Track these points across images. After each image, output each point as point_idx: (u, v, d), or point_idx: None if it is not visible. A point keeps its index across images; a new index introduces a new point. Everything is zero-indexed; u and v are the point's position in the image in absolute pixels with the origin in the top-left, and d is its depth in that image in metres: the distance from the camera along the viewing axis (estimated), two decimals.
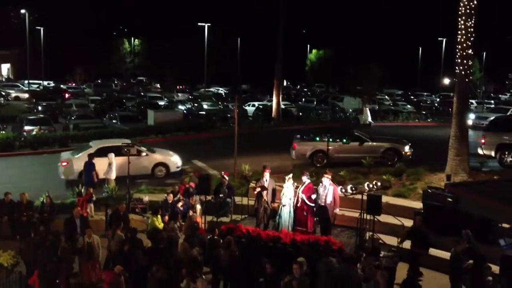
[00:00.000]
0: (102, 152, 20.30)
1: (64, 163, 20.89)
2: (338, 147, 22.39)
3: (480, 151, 22.20)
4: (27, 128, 31.38)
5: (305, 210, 14.83)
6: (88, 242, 12.58)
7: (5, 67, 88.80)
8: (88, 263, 12.51)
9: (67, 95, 54.46)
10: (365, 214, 14.00)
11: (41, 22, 79.37)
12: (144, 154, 22.02)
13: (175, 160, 22.32)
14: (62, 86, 68.87)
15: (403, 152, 22.48)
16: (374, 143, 22.80)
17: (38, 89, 62.79)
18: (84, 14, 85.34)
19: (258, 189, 15.12)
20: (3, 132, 30.26)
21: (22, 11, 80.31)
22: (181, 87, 71.16)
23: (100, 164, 19.43)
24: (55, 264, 11.22)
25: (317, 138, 22.35)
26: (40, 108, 43.34)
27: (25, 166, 24.48)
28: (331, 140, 21.91)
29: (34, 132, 30.18)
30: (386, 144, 22.91)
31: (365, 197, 14.01)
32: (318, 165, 21.78)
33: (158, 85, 76.79)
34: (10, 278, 11.57)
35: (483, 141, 22.24)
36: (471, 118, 36.05)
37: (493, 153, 21.67)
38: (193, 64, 73.30)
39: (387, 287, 9.64)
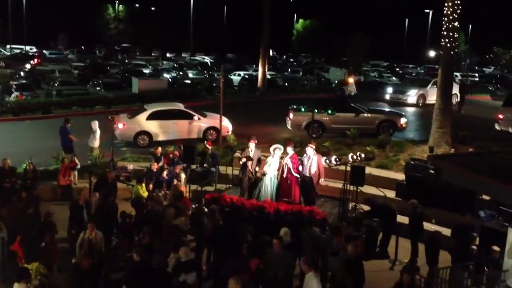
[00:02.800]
0: (156, 116, 21.87)
1: (121, 125, 21.16)
2: (334, 118, 22.37)
3: (497, 127, 22.22)
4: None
5: (289, 179, 14.93)
6: (90, 239, 11.05)
7: None
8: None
9: (36, 60, 53.60)
10: (348, 185, 14.13)
11: None
12: (196, 118, 22.16)
13: (226, 125, 22.24)
14: (44, 51, 67.61)
15: (399, 124, 22.63)
16: (370, 115, 22.89)
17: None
18: None
19: (244, 160, 15.14)
20: None
21: None
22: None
23: (154, 127, 21.61)
24: (38, 230, 11.19)
25: (316, 110, 21.72)
26: (22, 74, 42.59)
27: (7, 132, 24.16)
28: (323, 111, 21.91)
29: (12, 98, 29.79)
30: (381, 116, 23.05)
31: (349, 168, 14.14)
32: (314, 135, 21.42)
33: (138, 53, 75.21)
34: None
35: (500, 116, 22.15)
36: (388, 92, 35.25)
37: (510, 129, 21.63)
38: (178, 32, 72.44)
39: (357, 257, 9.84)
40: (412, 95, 33.47)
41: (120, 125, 21.34)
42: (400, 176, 15.83)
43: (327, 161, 14.68)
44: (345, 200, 14.33)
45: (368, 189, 14.88)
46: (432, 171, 13.96)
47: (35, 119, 27.36)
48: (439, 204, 12.88)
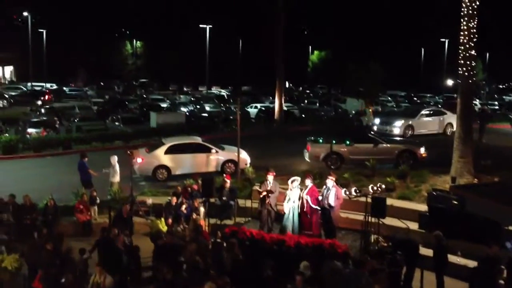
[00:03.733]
0: (174, 150, 22.04)
1: (140, 160, 21.36)
2: (353, 149, 22.10)
3: None
4: (30, 130, 31.38)
5: (309, 213, 14.86)
6: (98, 283, 10.68)
7: (8, 70, 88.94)
8: None
9: (47, 97, 54.86)
10: (369, 217, 13.92)
11: (43, 25, 79.56)
12: (213, 151, 22.26)
13: (244, 157, 22.27)
14: (64, 88, 68.90)
15: (419, 154, 22.26)
16: (389, 145, 22.54)
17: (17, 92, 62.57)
18: (86, 17, 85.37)
19: (264, 193, 15.10)
20: (6, 134, 30.22)
21: (25, 13, 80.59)
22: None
23: (172, 161, 21.76)
24: (58, 267, 11.16)
25: (334, 141, 21.67)
26: (43, 110, 43.30)
27: (28, 169, 24.45)
28: (341, 142, 21.78)
29: (35, 134, 30.23)
30: (401, 146, 22.68)
31: (369, 200, 13.96)
32: (333, 167, 21.20)
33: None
34: (14, 281, 11.54)
35: None
36: (375, 123, 33.10)
37: None
38: (194, 65, 73.37)
39: None
40: (397, 126, 30.79)
41: (139, 160, 21.47)
42: (423, 207, 15.55)
43: (347, 192, 14.54)
44: (366, 233, 14.10)
45: (390, 220, 14.63)
46: (455, 202, 13.71)
47: (56, 155, 27.67)
48: (463, 236, 12.57)
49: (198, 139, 23.58)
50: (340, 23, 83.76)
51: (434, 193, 14.97)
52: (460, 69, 18.29)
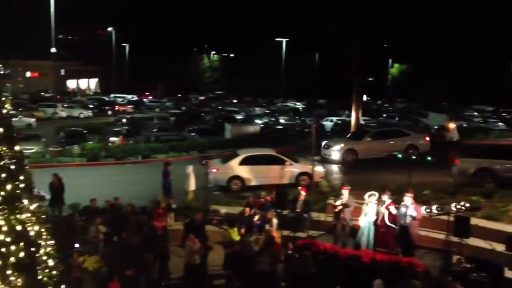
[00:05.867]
0: (249, 161, 22.17)
1: (214, 170, 21.80)
2: (509, 166, 20.28)
3: None
4: (112, 139, 32.71)
5: (386, 229, 14.36)
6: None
7: (93, 82, 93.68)
8: None
9: (116, 108, 59.09)
10: (451, 237, 13.19)
11: (126, 39, 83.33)
12: (288, 163, 22.34)
13: (319, 170, 22.23)
14: (144, 99, 71.58)
15: None
16: None
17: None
18: (166, 31, 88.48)
19: (340, 207, 14.77)
20: (90, 142, 31.63)
21: (109, 29, 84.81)
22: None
23: (246, 172, 21.83)
24: (136, 270, 11.40)
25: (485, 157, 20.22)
26: (124, 120, 45.12)
27: (110, 175, 25.37)
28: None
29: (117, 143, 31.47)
30: None
31: (451, 218, 13.25)
32: (485, 184, 19.14)
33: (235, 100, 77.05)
34: (94, 281, 11.92)
35: None
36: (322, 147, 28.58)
37: None
38: (269, 78, 73.84)
39: None
40: (335, 150, 27.47)
41: (214, 170, 21.73)
42: (511, 229, 14.58)
43: (428, 210, 13.87)
44: (448, 253, 13.37)
45: (474, 241, 13.81)
46: None
47: (135, 163, 28.59)
48: None
49: (272, 151, 23.55)
50: (422, 36, 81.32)
51: None
52: None
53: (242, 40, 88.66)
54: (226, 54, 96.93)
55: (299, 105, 69.55)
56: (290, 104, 70.99)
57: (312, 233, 16.16)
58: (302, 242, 13.83)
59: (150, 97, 76.78)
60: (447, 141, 33.49)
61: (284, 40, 67.03)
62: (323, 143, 28.56)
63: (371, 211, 14.48)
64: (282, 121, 46.91)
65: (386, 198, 14.61)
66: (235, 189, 21.70)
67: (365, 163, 26.28)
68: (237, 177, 22.01)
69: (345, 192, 15.13)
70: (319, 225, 16.64)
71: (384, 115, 55.80)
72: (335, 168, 26.59)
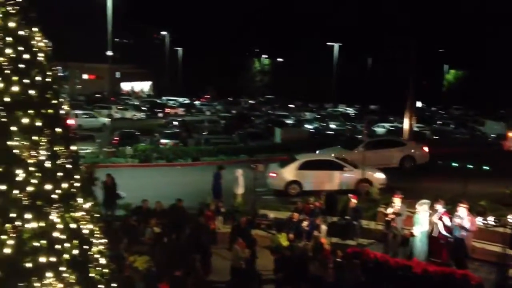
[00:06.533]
0: (308, 166, 21.98)
1: (273, 174, 21.97)
2: None
3: None
4: (163, 141, 33.27)
5: (439, 240, 13.96)
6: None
7: (147, 84, 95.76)
8: None
9: (167, 110, 60.12)
10: (509, 250, 12.65)
11: (179, 43, 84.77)
12: (347, 169, 22.23)
13: (379, 177, 22.03)
14: (195, 102, 72.51)
15: None
16: None
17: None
18: (218, 35, 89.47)
19: (392, 216, 14.44)
20: (142, 144, 32.30)
21: (163, 32, 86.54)
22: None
23: (305, 177, 21.57)
24: (184, 271, 11.50)
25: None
26: (175, 123, 45.84)
27: (161, 176, 25.80)
28: None
29: (168, 145, 31.98)
30: None
31: (508, 231, 12.70)
32: None
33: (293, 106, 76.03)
34: (144, 281, 12.10)
35: None
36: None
37: None
38: (320, 82, 73.32)
39: None
40: None
41: (272, 174, 21.67)
42: None
43: (484, 221, 13.37)
44: (504, 266, 12.82)
45: None
46: None
47: (185, 165, 28.96)
48: None
49: (332, 156, 23.21)
50: (480, 41, 78.76)
51: None
52: None
53: (294, 44, 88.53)
54: (277, 58, 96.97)
55: (350, 111, 68.75)
56: (340, 109, 70.28)
57: (362, 241, 15.89)
58: (351, 250, 13.62)
59: (205, 100, 77.63)
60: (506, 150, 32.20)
61: (336, 45, 66.36)
62: (317, 152, 27.35)
63: (423, 221, 14.10)
64: (332, 126, 46.45)
65: (439, 207, 14.20)
66: (292, 194, 21.55)
67: (419, 170, 25.63)
68: (295, 182, 21.90)
69: (397, 200, 14.77)
70: (369, 233, 16.34)
71: (439, 122, 54.29)
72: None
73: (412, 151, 26.59)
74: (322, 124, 48.73)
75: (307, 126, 46.62)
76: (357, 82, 79.37)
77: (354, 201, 16.71)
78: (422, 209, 14.27)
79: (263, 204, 19.44)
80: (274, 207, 19.21)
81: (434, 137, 41.91)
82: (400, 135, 38.70)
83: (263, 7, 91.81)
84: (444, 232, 13.84)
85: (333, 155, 25.33)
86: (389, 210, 14.78)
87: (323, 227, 15.94)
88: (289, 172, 22.05)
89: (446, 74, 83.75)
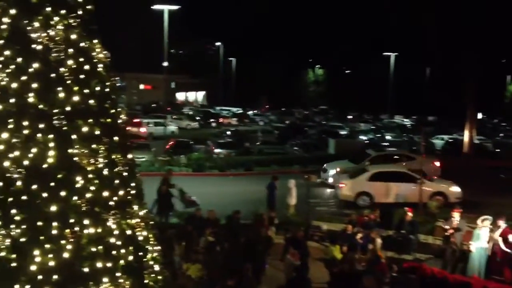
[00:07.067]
0: (379, 177, 21.68)
1: (342, 185, 22.01)
2: None
3: None
4: (216, 150, 33.56)
5: (500, 256, 13.33)
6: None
7: (201, 94, 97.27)
8: None
9: (220, 120, 60.92)
10: None
11: (233, 53, 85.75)
12: (419, 181, 21.56)
13: (454, 190, 21.52)
14: (249, 112, 72.95)
15: None
16: None
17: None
18: (271, 46, 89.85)
19: (451, 231, 13.94)
20: (196, 153, 32.69)
21: (218, 43, 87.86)
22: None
23: (375, 188, 21.26)
24: (236, 280, 11.47)
25: None
26: (228, 132, 46.21)
27: (213, 186, 25.96)
28: None
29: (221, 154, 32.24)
30: None
31: None
32: None
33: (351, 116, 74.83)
34: None
35: None
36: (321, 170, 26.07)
37: None
38: (376, 93, 72.22)
39: None
40: (331, 174, 25.29)
41: (341, 185, 21.42)
42: None
43: None
44: None
45: None
46: None
47: (238, 175, 29.04)
48: None
49: (402, 168, 22.69)
50: None
51: None
52: None
53: (348, 54, 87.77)
54: (331, 69, 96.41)
55: (407, 122, 67.24)
56: (397, 120, 68.85)
57: (419, 256, 15.44)
58: (408, 265, 13.26)
59: (264, 111, 77.93)
60: None
61: (393, 55, 65.22)
62: (325, 165, 26.79)
63: (484, 236, 13.53)
64: (388, 137, 45.57)
65: (501, 223, 13.59)
66: (362, 205, 21.09)
67: (477, 184, 24.65)
68: (365, 193, 21.53)
69: (456, 215, 14.27)
70: (427, 248, 15.88)
71: (501, 134, 52.23)
72: None
73: (422, 165, 25.52)
74: (377, 135, 47.88)
75: (362, 137, 45.93)
76: (415, 93, 77.62)
77: (410, 214, 16.26)
78: (483, 224, 13.72)
79: (317, 216, 19.20)
80: (328, 219, 18.94)
81: (496, 150, 40.23)
82: (460, 147, 37.50)
83: (317, 17, 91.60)
84: (505, 249, 13.21)
85: (338, 169, 25.19)
86: (448, 225, 14.29)
87: (378, 241, 15.53)
88: (359, 183, 21.68)
89: (509, 85, 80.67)
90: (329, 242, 15.74)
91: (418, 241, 16.00)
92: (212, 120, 60.22)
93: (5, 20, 6.62)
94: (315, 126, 55.55)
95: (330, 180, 25.17)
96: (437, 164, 26.09)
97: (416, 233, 16.02)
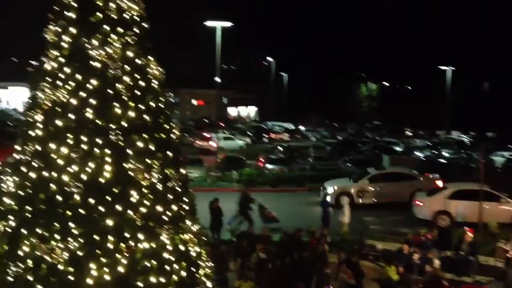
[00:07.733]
0: (459, 195, 21.14)
1: (419, 203, 21.63)
2: None
3: None
4: (268, 166, 33.47)
5: None
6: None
7: (252, 110, 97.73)
8: None
9: (272, 135, 60.37)
10: None
11: (284, 68, 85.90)
12: (503, 200, 21.30)
13: None
14: (300, 127, 72.60)
15: None
16: None
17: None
18: (323, 60, 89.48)
19: None
20: (248, 169, 32.70)
21: (269, 58, 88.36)
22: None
23: (455, 207, 20.68)
24: None
25: None
26: (280, 148, 46.03)
27: (265, 202, 25.79)
28: None
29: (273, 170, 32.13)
30: None
31: None
32: None
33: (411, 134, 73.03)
34: None
35: None
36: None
37: None
38: (432, 109, 70.49)
39: None
40: (329, 193, 24.14)
41: (418, 203, 20.93)
42: None
43: None
44: None
45: None
46: None
47: (289, 191, 28.80)
48: None
49: (487, 187, 21.76)
50: None
51: None
52: None
53: (403, 69, 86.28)
54: (385, 83, 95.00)
55: (465, 138, 65.07)
56: (454, 136, 66.77)
57: (480, 278, 14.75)
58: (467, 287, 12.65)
59: (315, 124, 77.46)
60: None
61: (449, 68, 63.49)
62: (325, 183, 25.75)
63: None
64: (445, 154, 44.18)
65: None
66: (442, 226, 20.19)
67: None
68: (444, 212, 20.84)
69: None
70: (488, 270, 15.23)
71: None
72: None
73: (424, 185, 24.45)
74: (434, 151, 46.54)
75: (418, 153, 44.74)
76: (473, 108, 75.23)
77: (470, 234, 15.62)
78: None
79: (370, 234, 18.75)
80: (382, 238, 18.46)
81: None
82: None
83: (370, 31, 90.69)
84: None
85: (335, 187, 24.40)
86: (510, 246, 13.62)
87: (436, 261, 14.97)
88: (438, 201, 21.07)
89: None
90: (384, 262, 15.28)
91: (478, 263, 15.33)
92: (264, 135, 60.28)
93: (66, 38, 6.82)
94: (368, 142, 54.58)
95: (328, 198, 23.41)
96: (440, 183, 24.94)
97: (476, 254, 15.37)
